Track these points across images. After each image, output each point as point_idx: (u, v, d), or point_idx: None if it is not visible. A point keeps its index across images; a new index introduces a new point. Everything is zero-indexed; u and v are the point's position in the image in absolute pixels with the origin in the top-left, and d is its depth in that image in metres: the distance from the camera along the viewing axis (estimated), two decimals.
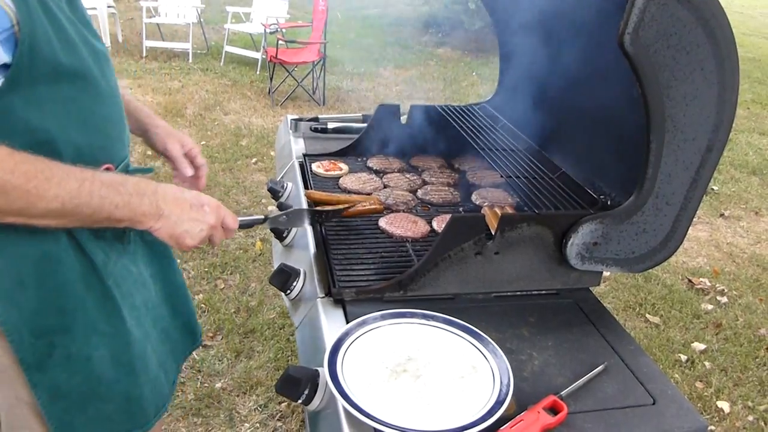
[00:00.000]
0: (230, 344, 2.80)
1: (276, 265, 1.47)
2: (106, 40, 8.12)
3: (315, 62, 6.70)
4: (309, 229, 1.58)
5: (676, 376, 2.83)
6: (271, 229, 1.63)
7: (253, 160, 4.98)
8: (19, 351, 1.11)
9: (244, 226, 1.32)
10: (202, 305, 3.07)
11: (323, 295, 1.34)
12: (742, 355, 3.01)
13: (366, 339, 1.18)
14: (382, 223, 1.60)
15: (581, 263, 1.36)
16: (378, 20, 11.45)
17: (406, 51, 9.42)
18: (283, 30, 7.08)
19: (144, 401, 1.28)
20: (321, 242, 1.52)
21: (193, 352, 2.69)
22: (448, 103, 2.13)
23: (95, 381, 1.19)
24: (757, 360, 2.99)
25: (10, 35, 0.96)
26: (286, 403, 2.47)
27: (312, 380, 1.08)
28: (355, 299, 1.32)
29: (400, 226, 1.58)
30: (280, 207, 1.76)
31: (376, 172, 1.93)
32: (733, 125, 1.25)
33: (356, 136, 2.07)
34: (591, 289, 1.47)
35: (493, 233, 1.32)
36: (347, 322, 1.23)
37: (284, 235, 1.60)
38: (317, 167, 1.89)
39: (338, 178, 1.86)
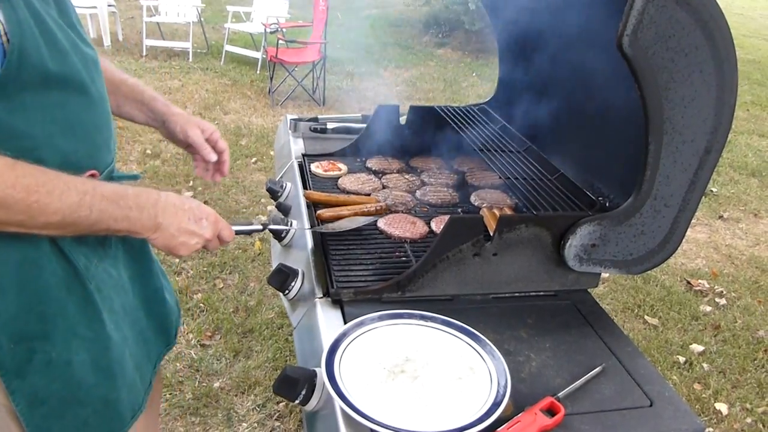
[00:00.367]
0: (229, 344, 2.80)
1: (274, 266, 1.47)
2: (106, 39, 8.12)
3: (315, 62, 6.70)
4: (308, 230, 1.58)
5: (675, 377, 2.83)
6: (269, 230, 1.63)
7: (253, 159, 4.98)
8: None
9: (241, 233, 1.34)
10: (201, 304, 3.08)
11: (321, 296, 1.34)
12: (740, 356, 3.01)
13: (364, 340, 1.18)
14: (381, 223, 1.60)
15: (579, 265, 1.36)
16: (378, 20, 11.46)
17: (407, 51, 9.43)
18: (284, 30, 7.08)
19: (121, 405, 1.27)
20: (319, 243, 1.52)
21: (192, 351, 2.70)
22: (448, 104, 2.13)
23: (75, 386, 1.18)
24: (755, 362, 2.99)
25: None
26: (284, 403, 2.47)
27: (309, 381, 1.08)
28: (353, 300, 1.32)
29: (398, 226, 1.58)
30: (279, 207, 1.76)
31: (375, 173, 1.93)
32: (733, 127, 1.25)
33: (355, 137, 2.07)
34: (589, 290, 1.47)
35: (491, 234, 1.32)
36: (345, 323, 1.23)
37: (283, 235, 1.60)
38: (316, 167, 1.89)
39: (337, 178, 1.86)
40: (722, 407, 2.67)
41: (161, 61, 7.73)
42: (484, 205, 1.71)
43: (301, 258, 1.51)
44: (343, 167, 1.92)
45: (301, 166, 1.95)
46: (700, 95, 1.18)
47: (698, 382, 2.82)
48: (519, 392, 1.11)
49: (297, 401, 1.08)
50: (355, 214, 1.63)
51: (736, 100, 1.21)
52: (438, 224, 1.61)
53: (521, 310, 1.37)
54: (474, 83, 7.90)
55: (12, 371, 1.10)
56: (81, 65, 1.11)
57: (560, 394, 1.09)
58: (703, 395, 2.73)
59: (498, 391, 1.06)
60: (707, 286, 3.62)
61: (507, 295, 1.41)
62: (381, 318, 1.23)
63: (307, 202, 1.70)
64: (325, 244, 1.50)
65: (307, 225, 1.60)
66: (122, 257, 1.33)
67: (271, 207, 1.72)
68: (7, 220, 0.97)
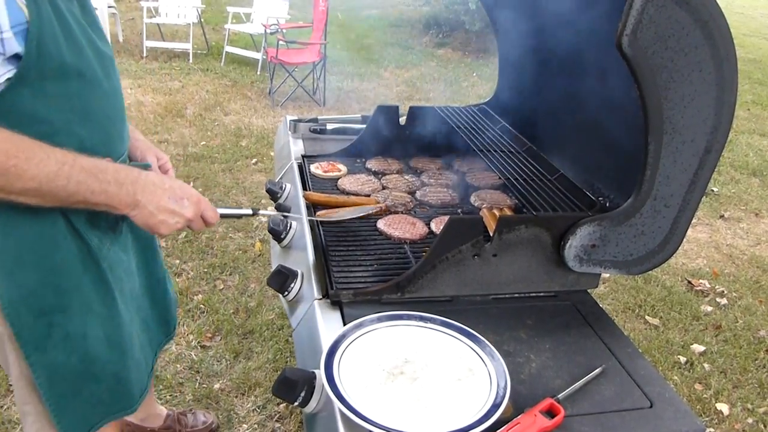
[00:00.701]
0: (229, 345, 2.80)
1: (274, 267, 1.47)
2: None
3: (315, 63, 6.70)
4: (307, 230, 1.58)
5: (676, 377, 2.83)
6: (269, 231, 1.62)
7: (253, 160, 4.97)
8: (18, 332, 1.18)
9: (229, 217, 1.37)
10: (201, 306, 3.07)
11: (321, 297, 1.33)
12: (741, 357, 3.00)
13: (363, 341, 1.17)
14: (381, 224, 1.60)
15: (579, 265, 1.35)
16: (378, 21, 11.45)
17: (407, 52, 9.42)
18: (284, 30, 7.07)
19: (131, 384, 1.36)
20: (319, 244, 1.52)
21: (192, 353, 2.70)
22: (448, 104, 2.13)
23: (90, 360, 1.25)
24: (756, 362, 2.99)
25: (24, 30, 1.03)
26: (284, 405, 2.47)
27: (308, 382, 1.08)
28: (352, 301, 1.32)
29: (398, 227, 1.58)
30: (279, 208, 1.76)
31: (375, 174, 1.93)
32: (734, 126, 1.25)
33: (355, 138, 2.06)
34: (589, 290, 1.47)
35: (491, 235, 1.31)
36: (344, 324, 1.23)
37: (282, 236, 1.60)
38: (316, 168, 1.89)
39: (337, 179, 1.86)
40: (723, 407, 2.66)
41: (161, 63, 7.73)
42: (484, 205, 1.71)
43: (300, 259, 1.51)
44: (343, 168, 1.92)
45: (300, 167, 1.94)
46: (700, 95, 1.18)
47: (699, 383, 2.81)
48: (518, 393, 1.11)
49: (296, 403, 1.08)
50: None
51: (737, 100, 1.21)
52: (438, 225, 1.60)
53: (521, 311, 1.36)
54: (474, 83, 7.89)
55: (32, 345, 1.19)
56: (96, 60, 1.18)
57: (560, 396, 1.09)
58: (704, 395, 2.73)
59: (497, 393, 1.06)
60: (708, 286, 3.61)
61: (507, 296, 1.40)
62: (380, 319, 1.23)
63: (306, 203, 1.70)
64: (324, 246, 1.50)
65: (306, 225, 1.59)
66: (131, 245, 1.41)
67: (271, 208, 1.72)
68: None
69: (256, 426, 2.39)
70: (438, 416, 1.01)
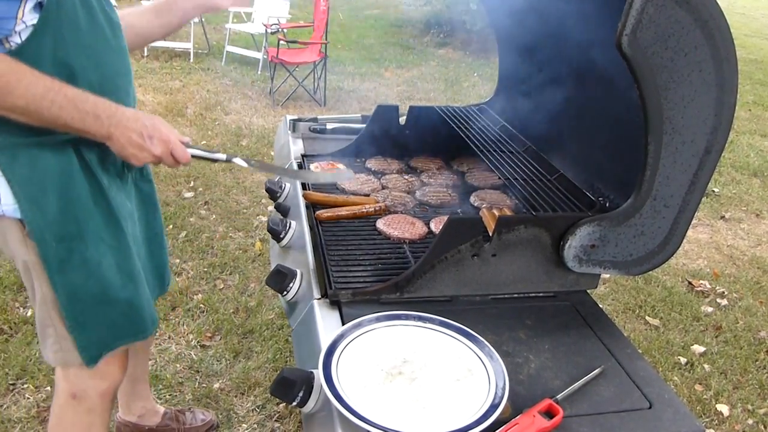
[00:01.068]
0: (229, 345, 2.80)
1: (273, 266, 1.46)
2: None
3: (316, 62, 6.70)
4: (306, 230, 1.58)
5: (676, 378, 2.82)
6: (268, 230, 1.62)
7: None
8: (43, 253, 1.35)
9: (201, 158, 1.45)
10: (201, 305, 3.07)
11: (320, 297, 1.33)
12: (742, 357, 2.99)
13: (361, 341, 1.17)
14: (380, 224, 1.59)
15: (579, 266, 1.35)
16: (379, 20, 11.46)
17: (408, 51, 9.42)
18: (285, 30, 7.07)
19: (143, 311, 1.51)
20: (318, 244, 1.51)
21: (192, 352, 2.70)
22: (449, 104, 2.13)
23: (105, 285, 1.42)
24: (757, 363, 2.98)
25: None
26: (284, 404, 2.47)
27: (307, 382, 1.08)
28: (351, 301, 1.31)
29: (397, 227, 1.58)
30: (278, 208, 1.76)
31: (375, 173, 1.93)
32: (735, 127, 1.25)
33: (355, 137, 2.06)
34: (589, 291, 1.46)
35: (490, 235, 1.31)
36: (343, 324, 1.23)
37: (281, 236, 1.60)
38: (315, 168, 1.89)
39: None
40: (723, 408, 2.66)
41: (162, 62, 7.73)
42: (484, 205, 1.70)
43: (299, 259, 1.51)
44: (343, 168, 1.91)
45: (300, 167, 1.94)
46: (700, 95, 1.18)
47: (699, 383, 2.81)
48: (517, 394, 1.11)
49: (294, 403, 1.08)
50: (354, 215, 1.62)
51: (737, 100, 1.21)
52: (437, 225, 1.60)
53: (520, 311, 1.36)
54: (475, 83, 7.89)
55: (55, 267, 1.36)
56: (106, 23, 1.37)
57: (559, 396, 1.09)
58: (704, 396, 2.72)
59: (496, 393, 1.06)
60: (709, 286, 3.61)
61: (506, 296, 1.40)
62: (379, 319, 1.22)
63: (306, 203, 1.69)
64: (323, 245, 1.50)
65: (305, 225, 1.59)
66: (135, 195, 1.58)
67: (271, 207, 1.71)
68: None
69: (255, 426, 2.39)
70: (436, 416, 1.01)
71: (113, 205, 1.42)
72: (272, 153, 4.94)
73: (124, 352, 1.59)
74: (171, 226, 3.76)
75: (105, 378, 1.57)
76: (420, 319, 1.24)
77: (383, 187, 1.83)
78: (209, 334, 2.87)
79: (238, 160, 1.47)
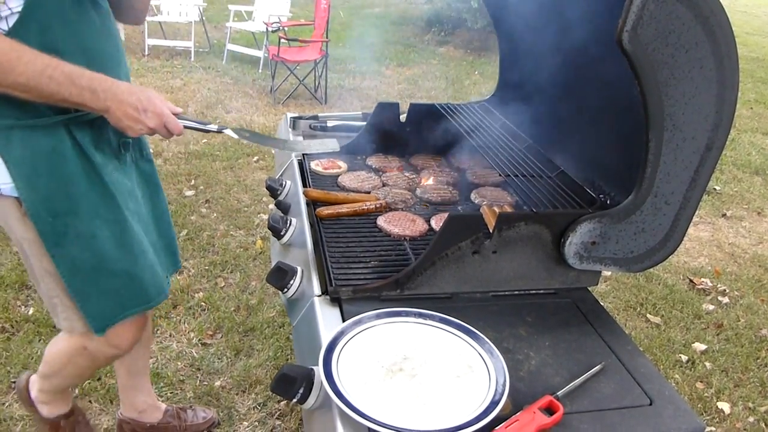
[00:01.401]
0: (230, 342, 2.80)
1: (274, 264, 1.47)
2: None
3: (317, 61, 6.69)
4: (307, 227, 1.58)
5: (677, 376, 2.82)
6: (269, 227, 1.62)
7: (255, 158, 4.97)
8: (41, 229, 1.42)
9: (193, 129, 1.49)
10: (202, 303, 3.07)
11: (320, 294, 1.33)
12: (743, 355, 2.99)
13: (362, 338, 1.17)
14: (381, 221, 1.59)
15: (579, 263, 1.35)
16: (380, 19, 11.45)
17: (409, 50, 9.41)
18: (285, 28, 7.07)
19: (145, 282, 1.57)
20: (318, 241, 1.51)
21: (193, 350, 2.70)
22: (449, 102, 2.12)
23: (101, 257, 1.48)
24: (758, 361, 2.98)
25: None
26: (285, 402, 2.47)
27: (307, 379, 1.08)
28: (351, 298, 1.31)
29: (398, 224, 1.57)
30: (279, 205, 1.76)
31: (375, 171, 1.93)
32: (736, 125, 1.25)
33: (355, 135, 2.06)
34: (590, 288, 1.46)
35: (491, 232, 1.31)
36: (343, 321, 1.23)
37: (282, 233, 1.60)
38: (316, 165, 1.89)
39: (337, 176, 1.85)
40: (724, 406, 2.66)
41: (163, 61, 7.73)
42: (484, 202, 1.70)
43: (300, 256, 1.51)
44: (343, 165, 1.91)
45: (300, 164, 1.94)
46: (701, 92, 1.17)
47: (700, 381, 2.81)
48: (518, 391, 1.11)
49: (294, 400, 1.08)
50: (355, 212, 1.62)
51: (739, 98, 1.20)
52: (438, 222, 1.60)
53: (521, 308, 1.36)
54: (476, 81, 7.88)
55: (53, 241, 1.44)
56: (94, 11, 1.42)
57: (559, 393, 1.09)
58: (705, 394, 2.72)
59: (496, 390, 1.06)
60: (710, 284, 3.60)
61: (506, 293, 1.40)
62: (379, 316, 1.22)
63: (306, 200, 1.69)
64: (323, 242, 1.50)
65: (306, 222, 1.59)
66: (136, 175, 1.64)
67: (272, 206, 1.72)
68: None
69: (256, 423, 2.39)
70: (436, 413, 1.01)
71: (107, 181, 1.48)
72: (273, 151, 4.94)
73: (138, 321, 1.66)
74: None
75: (119, 347, 1.66)
76: (420, 315, 1.24)
77: (384, 185, 1.83)
78: (210, 332, 2.88)
79: (228, 131, 1.53)
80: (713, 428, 2.56)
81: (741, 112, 7.06)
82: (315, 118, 2.26)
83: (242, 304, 3.09)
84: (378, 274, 1.39)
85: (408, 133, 2.05)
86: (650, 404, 1.11)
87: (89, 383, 2.47)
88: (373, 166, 1.95)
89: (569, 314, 1.36)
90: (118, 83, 1.37)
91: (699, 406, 2.65)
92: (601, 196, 1.50)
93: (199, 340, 2.81)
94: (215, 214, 3.98)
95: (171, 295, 3.08)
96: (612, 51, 1.14)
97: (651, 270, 3.66)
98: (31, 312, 2.85)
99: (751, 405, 2.69)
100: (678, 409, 1.10)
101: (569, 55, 1.65)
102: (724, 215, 4.57)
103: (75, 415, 2.02)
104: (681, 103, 1.17)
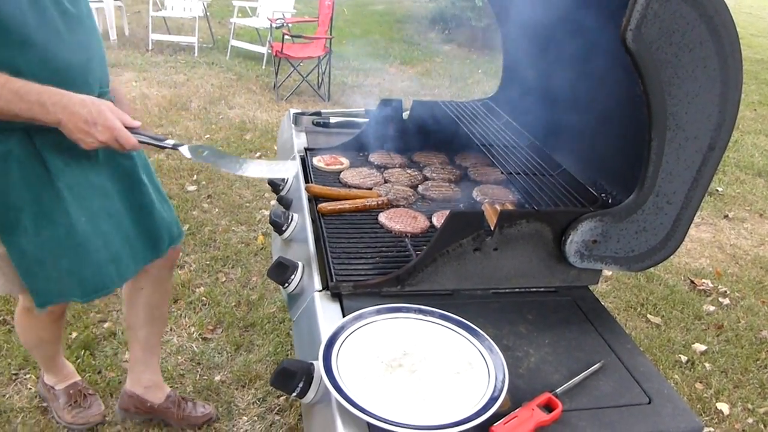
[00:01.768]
0: (230, 337, 2.80)
1: (275, 259, 1.47)
2: (113, 33, 8.14)
3: (320, 57, 6.69)
4: (308, 223, 1.58)
5: (676, 376, 2.82)
6: (270, 222, 1.62)
7: (258, 154, 4.98)
8: None
9: (147, 144, 1.46)
10: (203, 298, 3.08)
11: (321, 289, 1.33)
12: (743, 357, 2.99)
13: (362, 333, 1.17)
14: (382, 218, 1.60)
15: (580, 261, 1.35)
16: (384, 16, 11.43)
17: (412, 47, 9.40)
18: (289, 25, 7.07)
19: (85, 281, 1.67)
20: (320, 236, 1.52)
21: (193, 345, 2.71)
22: (452, 100, 2.12)
23: (44, 252, 1.59)
24: (758, 362, 2.98)
25: None
26: (284, 397, 2.48)
27: (307, 373, 1.08)
28: (352, 293, 1.31)
29: (399, 221, 1.58)
30: (281, 201, 1.76)
31: (377, 167, 1.93)
32: (740, 127, 1.25)
33: (358, 131, 2.06)
34: (591, 288, 1.46)
35: (492, 229, 1.31)
36: (344, 316, 1.23)
37: (283, 228, 1.60)
38: (318, 161, 1.89)
39: (339, 172, 1.85)
40: (724, 407, 2.66)
41: (167, 56, 7.74)
42: (486, 200, 1.70)
43: (301, 251, 1.51)
44: (345, 161, 1.91)
45: (303, 160, 1.94)
46: (705, 91, 1.17)
47: (700, 382, 2.81)
48: (517, 387, 1.11)
49: (294, 394, 1.08)
50: (356, 209, 1.62)
51: (742, 99, 1.20)
52: (439, 219, 1.60)
53: (521, 305, 1.36)
54: (480, 80, 7.87)
55: (7, 230, 1.56)
56: (60, 19, 1.44)
57: (558, 390, 1.09)
58: (705, 395, 2.72)
59: (495, 386, 1.06)
60: (711, 285, 3.60)
61: (507, 290, 1.40)
62: (379, 312, 1.22)
63: (308, 196, 1.70)
64: (325, 238, 1.50)
65: (308, 218, 1.59)
66: (110, 172, 1.69)
67: (274, 202, 1.72)
68: None
69: (256, 418, 2.39)
70: (435, 408, 1.01)
71: (60, 186, 1.55)
72: (276, 147, 4.94)
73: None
74: None
75: (54, 311, 1.90)
76: (421, 312, 1.24)
77: (386, 181, 1.83)
78: (211, 327, 2.88)
79: (184, 150, 1.49)
80: (712, 429, 2.56)
81: (744, 114, 7.05)
82: (318, 114, 2.26)
83: (243, 300, 3.09)
84: (379, 270, 1.39)
85: (410, 130, 2.05)
86: (649, 403, 1.11)
87: (89, 376, 2.47)
88: (376, 163, 1.95)
89: (569, 312, 1.36)
90: (70, 96, 1.38)
91: (698, 406, 2.65)
92: (602, 195, 1.50)
93: (200, 334, 2.82)
94: (217, 210, 3.99)
95: (172, 290, 3.09)
96: (616, 49, 1.13)
97: (652, 270, 3.66)
98: None
99: (750, 406, 2.69)
100: (677, 408, 1.10)
101: (573, 53, 1.65)
102: (726, 217, 4.56)
103: (82, 386, 2.29)
104: (684, 103, 1.17)
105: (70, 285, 1.67)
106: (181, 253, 3.41)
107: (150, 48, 7.93)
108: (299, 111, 2.26)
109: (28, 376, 2.48)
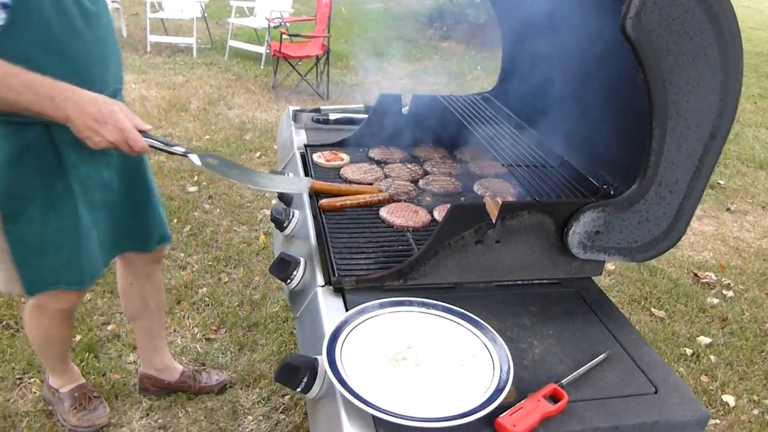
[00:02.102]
0: (234, 337, 2.80)
1: (277, 255, 1.46)
2: None
3: (319, 56, 6.69)
4: (310, 219, 1.58)
5: (681, 369, 2.82)
6: (271, 219, 1.62)
7: (257, 154, 4.98)
8: (1, 207, 1.58)
9: (157, 149, 1.43)
10: (206, 299, 3.08)
11: (323, 284, 1.33)
12: (747, 349, 2.99)
13: (365, 327, 1.17)
14: (383, 212, 1.59)
15: (583, 252, 1.34)
16: (382, 14, 11.42)
17: (411, 45, 9.39)
18: (287, 24, 7.06)
19: (82, 269, 1.73)
20: (321, 232, 1.51)
21: (197, 345, 2.71)
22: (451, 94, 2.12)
23: (47, 242, 1.64)
24: (762, 354, 2.97)
25: None
26: (289, 396, 2.47)
27: (311, 368, 1.08)
28: (354, 288, 1.31)
29: (401, 215, 1.57)
30: (281, 197, 1.76)
31: (378, 163, 1.92)
32: (740, 119, 1.24)
33: (358, 127, 2.06)
34: (595, 280, 1.46)
35: (493, 221, 1.30)
36: (347, 311, 1.23)
37: (285, 225, 1.60)
38: (318, 157, 1.88)
39: (339, 168, 1.85)
40: (729, 399, 2.65)
41: (165, 57, 7.73)
42: (487, 194, 1.70)
43: (303, 247, 1.50)
44: (346, 157, 1.91)
45: (303, 157, 1.94)
46: (705, 79, 1.16)
47: (705, 374, 2.80)
48: (522, 379, 1.10)
49: (299, 389, 1.08)
50: (358, 204, 1.62)
51: (742, 92, 1.19)
52: (441, 213, 1.60)
53: (524, 297, 1.36)
54: (478, 76, 7.86)
55: (9, 218, 1.60)
56: (79, 16, 1.46)
57: (564, 381, 1.08)
58: (710, 387, 2.72)
59: (500, 378, 1.05)
60: (714, 278, 3.60)
61: (510, 282, 1.40)
62: (382, 305, 1.22)
63: (309, 192, 1.69)
64: (326, 233, 1.49)
65: (309, 214, 1.59)
66: (118, 165, 1.75)
67: (275, 201, 1.72)
68: None
69: (261, 417, 2.39)
70: (440, 401, 1.01)
71: (71, 180, 1.60)
72: (275, 146, 4.94)
73: (69, 295, 1.86)
74: (175, 221, 3.76)
75: (59, 301, 1.88)
76: (424, 305, 1.24)
77: (386, 176, 1.83)
78: (214, 327, 2.88)
79: (193, 157, 1.42)
80: (718, 421, 2.55)
81: (745, 107, 7.04)
82: (317, 110, 2.25)
83: (246, 300, 3.09)
84: (381, 264, 1.39)
85: (410, 125, 2.04)
86: (655, 392, 1.11)
87: (94, 379, 2.47)
88: (376, 158, 1.95)
89: (573, 304, 1.36)
90: (81, 93, 1.35)
91: (704, 399, 2.65)
92: (604, 185, 1.50)
93: (203, 335, 2.82)
94: (218, 210, 3.99)
95: (174, 291, 3.09)
96: (615, 39, 1.13)
97: (655, 264, 3.65)
98: None
99: (755, 398, 2.68)
100: (683, 397, 1.10)
101: (572, 44, 1.64)
102: (728, 209, 4.56)
103: (87, 389, 2.32)
104: (685, 91, 1.17)
105: (67, 274, 1.72)
106: (183, 254, 3.42)
107: (148, 50, 7.93)
108: (298, 108, 2.25)
109: (32, 380, 2.48)
